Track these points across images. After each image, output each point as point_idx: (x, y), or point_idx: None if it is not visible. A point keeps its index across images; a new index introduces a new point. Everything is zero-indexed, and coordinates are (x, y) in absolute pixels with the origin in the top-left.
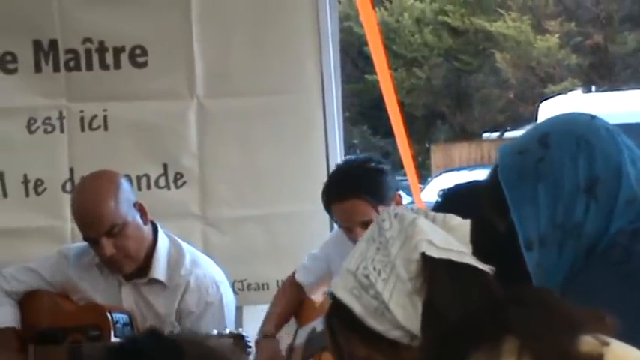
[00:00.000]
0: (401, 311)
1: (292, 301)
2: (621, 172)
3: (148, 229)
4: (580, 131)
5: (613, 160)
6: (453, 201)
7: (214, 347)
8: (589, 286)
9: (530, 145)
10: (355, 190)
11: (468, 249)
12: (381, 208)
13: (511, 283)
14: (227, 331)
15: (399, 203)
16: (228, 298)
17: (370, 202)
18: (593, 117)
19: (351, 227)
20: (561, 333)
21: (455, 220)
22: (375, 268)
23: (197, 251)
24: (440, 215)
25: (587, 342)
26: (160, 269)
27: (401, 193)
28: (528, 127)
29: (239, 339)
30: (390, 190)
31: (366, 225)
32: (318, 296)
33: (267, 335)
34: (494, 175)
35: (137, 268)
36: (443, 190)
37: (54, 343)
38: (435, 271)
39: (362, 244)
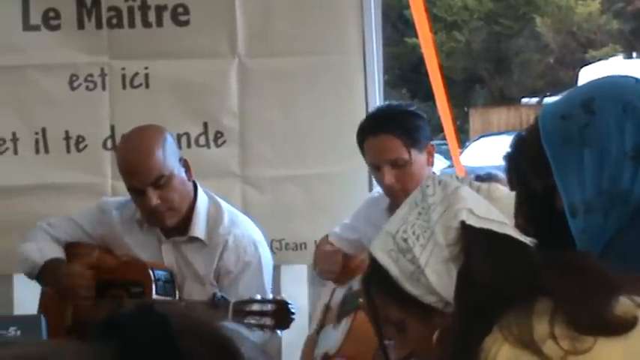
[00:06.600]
0: (436, 278)
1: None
2: None
3: (190, 186)
4: (626, 97)
5: None
6: None
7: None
8: (629, 248)
9: (574, 110)
10: (388, 125)
11: (510, 221)
12: (413, 152)
13: (551, 246)
14: (270, 296)
15: (431, 154)
16: (267, 259)
17: (402, 140)
18: (638, 80)
19: (380, 165)
20: (596, 294)
21: (499, 191)
22: (414, 233)
23: (236, 210)
24: (484, 185)
25: (623, 303)
26: (199, 227)
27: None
28: (569, 90)
29: (282, 305)
30: (424, 137)
31: (395, 164)
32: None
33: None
34: (534, 136)
35: (177, 225)
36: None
37: (95, 296)
38: (473, 241)
39: (405, 207)
